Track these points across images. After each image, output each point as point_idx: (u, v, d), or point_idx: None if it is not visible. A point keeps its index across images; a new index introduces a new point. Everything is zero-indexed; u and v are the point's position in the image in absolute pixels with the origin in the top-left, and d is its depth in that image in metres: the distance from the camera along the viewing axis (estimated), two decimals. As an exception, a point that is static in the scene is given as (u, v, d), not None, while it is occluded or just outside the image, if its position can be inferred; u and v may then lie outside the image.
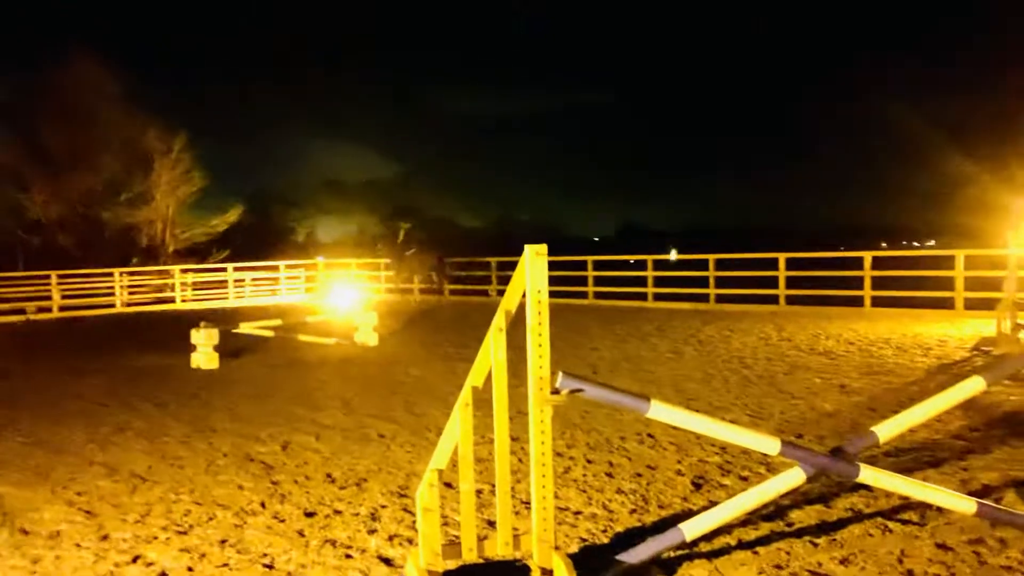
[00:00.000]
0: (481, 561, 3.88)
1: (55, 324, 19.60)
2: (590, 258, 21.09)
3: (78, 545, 4.43)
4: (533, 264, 3.60)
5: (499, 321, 3.67)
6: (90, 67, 29.70)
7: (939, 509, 4.31)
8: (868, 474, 3.95)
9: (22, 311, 20.66)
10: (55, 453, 6.52)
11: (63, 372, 11.07)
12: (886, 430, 4.09)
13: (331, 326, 14.27)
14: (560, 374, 3.62)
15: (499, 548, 3.73)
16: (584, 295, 21.08)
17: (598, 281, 21.15)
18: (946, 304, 15.28)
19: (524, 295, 3.61)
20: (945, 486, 4.88)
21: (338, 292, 20.73)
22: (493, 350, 3.67)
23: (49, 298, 21.63)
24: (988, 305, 12.56)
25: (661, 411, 3.77)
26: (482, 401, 3.67)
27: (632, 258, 22.08)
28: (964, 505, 4.17)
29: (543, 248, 3.64)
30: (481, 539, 3.76)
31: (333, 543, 4.36)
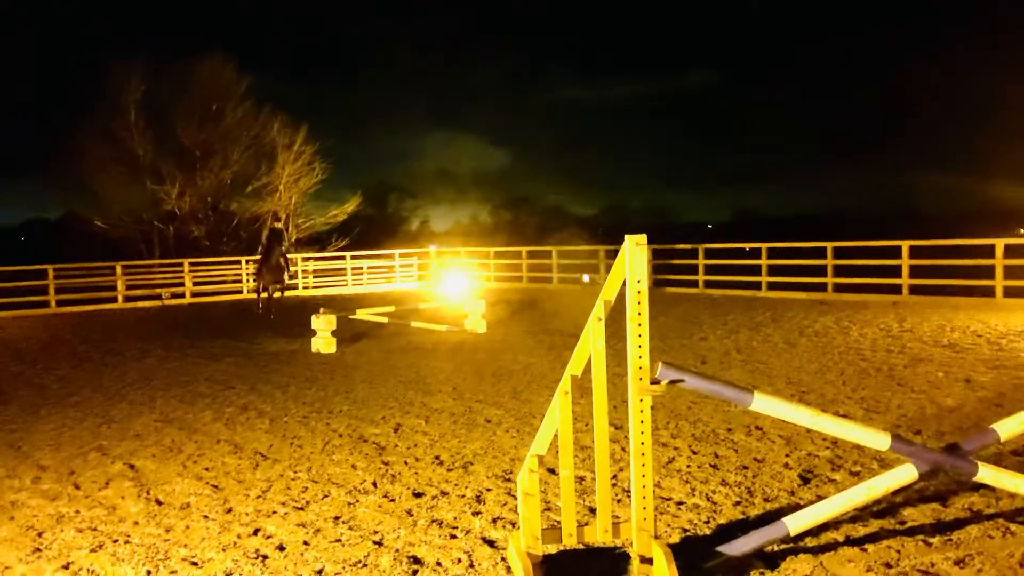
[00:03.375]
0: (581, 547, 3.95)
1: (187, 309, 20.86)
2: (701, 246, 20.70)
3: (205, 517, 4.77)
4: (632, 254, 3.62)
5: (598, 311, 3.71)
6: (220, 64, 31.33)
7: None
8: (987, 473, 3.78)
9: (158, 296, 22.16)
10: (186, 431, 6.99)
11: (194, 355, 11.80)
12: (1008, 427, 3.90)
13: (442, 313, 14.62)
14: (660, 364, 3.63)
15: (599, 535, 3.79)
16: (695, 284, 20.72)
17: (709, 269, 20.74)
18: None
19: (624, 285, 3.64)
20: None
21: (449, 280, 21.16)
22: (592, 339, 3.72)
23: (182, 284, 23.02)
24: None
25: (764, 403, 3.72)
26: (585, 389, 3.73)
27: (747, 246, 21.49)
28: (1096, 509, 3.93)
29: (643, 238, 3.65)
30: (581, 525, 3.83)
31: (439, 523, 4.52)
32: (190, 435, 6.83)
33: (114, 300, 21.39)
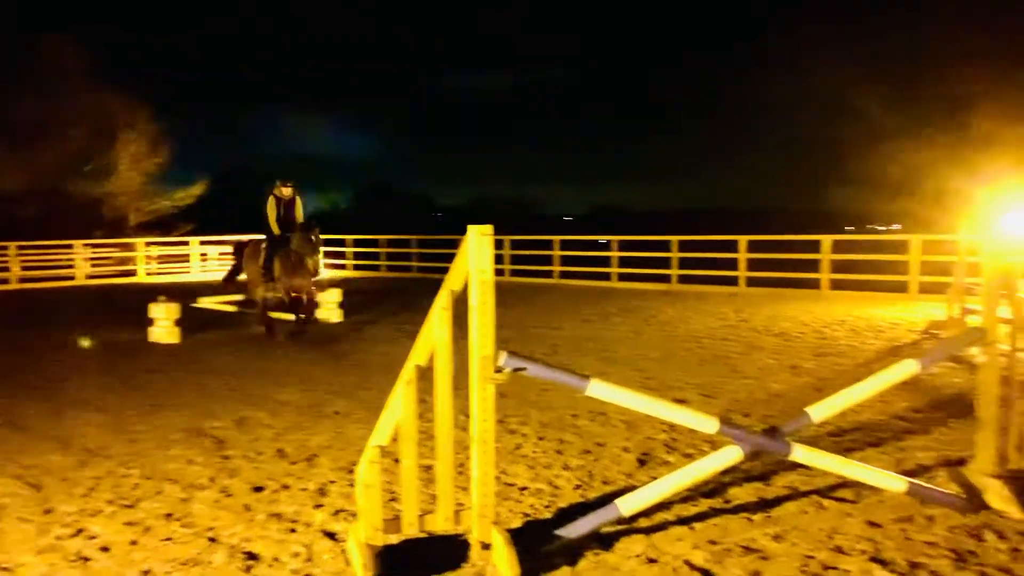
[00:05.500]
0: (424, 535, 3.95)
1: (14, 296, 19.29)
2: (556, 237, 21.16)
3: (21, 518, 4.43)
4: (476, 244, 3.64)
5: (443, 300, 3.72)
6: (56, 40, 29.04)
7: (874, 488, 4.45)
8: (801, 453, 4.08)
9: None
10: (9, 427, 6.48)
11: (21, 346, 10.94)
12: (820, 411, 4.22)
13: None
14: (504, 353, 3.69)
15: (440, 523, 3.80)
16: (550, 275, 21.17)
17: (564, 261, 21.24)
18: (901, 288, 15.58)
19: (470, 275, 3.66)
20: (882, 465, 5.04)
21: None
22: (437, 328, 3.72)
23: (7, 270, 21.28)
24: (941, 289, 12.82)
25: (600, 390, 3.85)
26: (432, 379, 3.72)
27: (600, 238, 22.16)
28: (894, 484, 4.32)
29: (488, 228, 3.68)
30: (423, 514, 3.83)
31: (279, 517, 4.40)
32: (14, 431, 6.33)
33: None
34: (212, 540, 4.09)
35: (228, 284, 12.98)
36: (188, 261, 25.24)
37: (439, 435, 3.73)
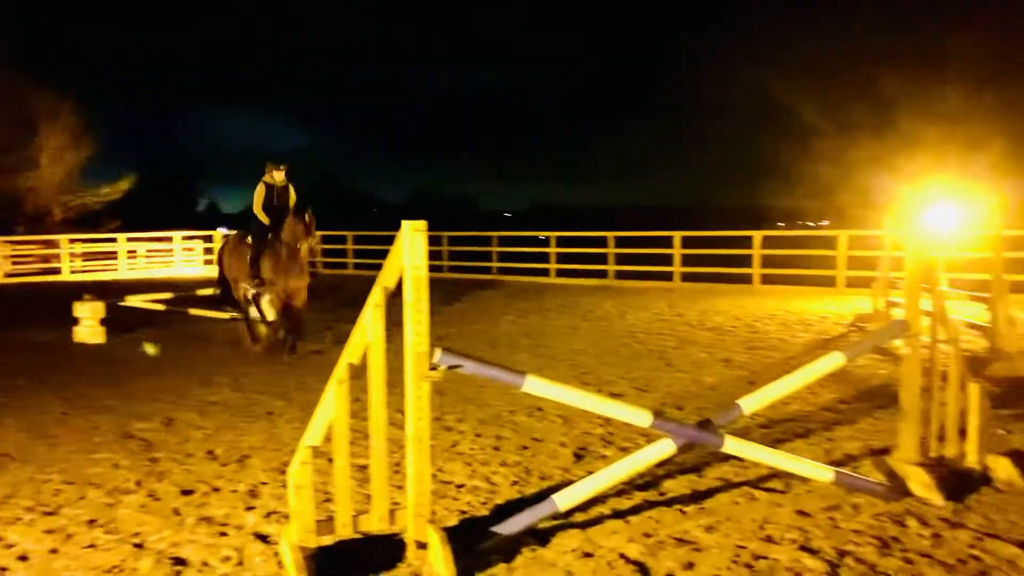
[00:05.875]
0: (359, 536, 3.89)
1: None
2: (495, 234, 21.16)
3: (-67, 529, 4.22)
4: (411, 240, 3.60)
5: (376, 297, 3.67)
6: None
7: (803, 478, 4.56)
8: (732, 445, 4.14)
9: None
10: (-84, 433, 6.17)
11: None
12: (749, 403, 4.29)
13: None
14: (439, 350, 3.65)
15: (375, 523, 3.76)
16: (489, 271, 21.16)
17: (503, 257, 21.25)
18: (829, 282, 16.01)
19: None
20: (811, 455, 5.17)
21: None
22: (370, 326, 3.67)
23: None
24: (867, 284, 13.21)
25: (536, 386, 3.85)
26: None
27: (539, 234, 22.22)
28: (822, 474, 4.43)
29: (422, 224, 3.65)
30: (358, 515, 3.77)
31: (208, 520, 4.29)
32: (-81, 438, 6.03)
33: None
34: (138, 546, 3.96)
35: (225, 303, 10.76)
36: (115, 259, 24.44)
37: (373, 434, 3.68)
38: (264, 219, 9.41)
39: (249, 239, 9.66)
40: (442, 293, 16.52)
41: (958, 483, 4.53)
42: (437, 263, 21.83)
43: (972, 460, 4.73)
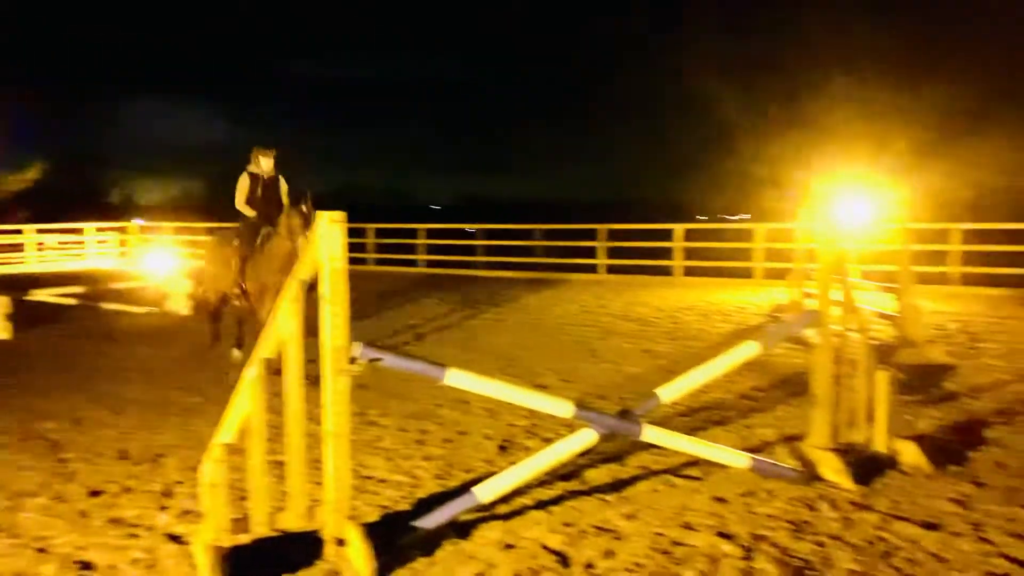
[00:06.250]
0: (276, 534, 3.81)
1: None
2: (422, 226, 21.01)
3: None
4: (327, 232, 3.54)
5: (291, 291, 3.59)
6: None
7: (720, 464, 4.65)
8: (651, 433, 4.21)
9: None
10: None
11: None
12: (668, 392, 4.37)
13: (142, 294, 13.43)
14: (359, 344, 3.60)
15: (293, 520, 3.68)
16: (416, 263, 21.02)
17: (431, 250, 21.13)
18: (748, 274, 16.44)
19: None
20: (728, 442, 5.29)
21: (152, 258, 19.54)
22: (285, 320, 3.59)
23: None
24: (784, 275, 13.60)
25: (458, 378, 3.84)
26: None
27: (467, 227, 22.17)
28: (738, 460, 4.53)
29: (339, 215, 3.58)
30: (276, 511, 3.69)
31: (118, 522, 4.14)
32: None
33: None
34: (41, 551, 3.80)
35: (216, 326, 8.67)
36: (23, 251, 23.39)
37: (289, 430, 3.60)
38: (249, 212, 7.95)
39: (236, 242, 7.96)
40: (366, 286, 16.34)
41: (867, 467, 4.70)
42: (363, 255, 21.57)
43: (880, 445, 4.91)
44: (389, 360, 3.72)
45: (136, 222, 26.80)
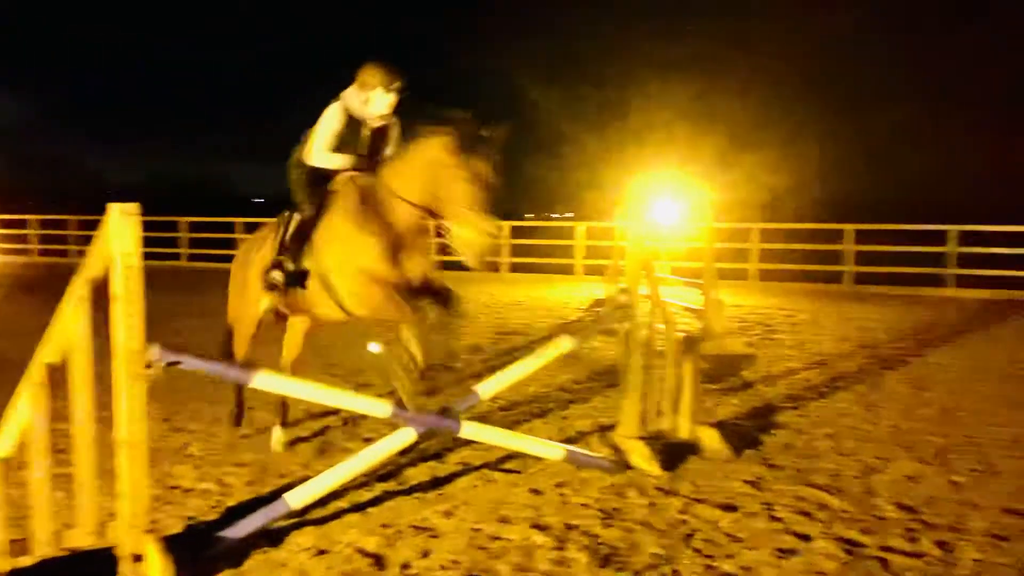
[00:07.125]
0: (65, 553, 3.50)
1: None
2: (240, 220, 20.11)
3: None
4: (119, 225, 3.28)
5: (80, 288, 3.31)
6: None
7: (538, 457, 4.75)
8: (468, 429, 4.24)
9: None
10: None
11: None
12: (487, 388, 4.41)
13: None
14: (155, 346, 3.37)
15: (83, 538, 3.40)
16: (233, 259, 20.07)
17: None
18: (569, 270, 17.00)
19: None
20: (547, 434, 5.42)
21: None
22: (72, 321, 3.30)
23: None
24: (602, 271, 14.16)
25: (267, 381, 3.69)
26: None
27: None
28: (554, 452, 4.65)
29: (133, 207, 3.33)
30: (64, 529, 3.39)
31: None
32: None
33: None
34: None
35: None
36: None
37: (78, 442, 3.32)
38: (334, 165, 4.88)
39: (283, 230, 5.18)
40: (177, 283, 15.46)
41: (673, 454, 4.97)
42: (175, 250, 20.41)
43: (684, 432, 5.20)
44: (189, 363, 3.50)
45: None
